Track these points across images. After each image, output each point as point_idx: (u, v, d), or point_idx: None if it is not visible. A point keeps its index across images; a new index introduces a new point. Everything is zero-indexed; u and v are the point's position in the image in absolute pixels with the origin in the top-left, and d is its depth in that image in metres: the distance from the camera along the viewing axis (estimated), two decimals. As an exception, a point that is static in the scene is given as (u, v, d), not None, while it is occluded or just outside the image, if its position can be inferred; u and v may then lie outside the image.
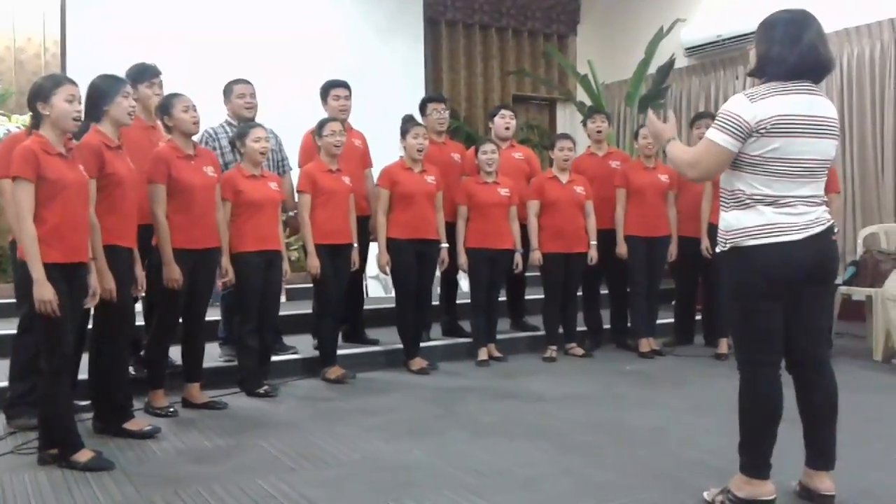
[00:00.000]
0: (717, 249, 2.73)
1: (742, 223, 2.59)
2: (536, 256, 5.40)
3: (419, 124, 5.24)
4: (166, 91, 4.31)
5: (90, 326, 3.65)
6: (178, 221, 3.93)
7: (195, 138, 4.21)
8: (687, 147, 2.77)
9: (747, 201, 2.58)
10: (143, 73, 4.25)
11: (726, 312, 2.77)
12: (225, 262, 4.24)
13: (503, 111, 5.90)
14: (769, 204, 2.56)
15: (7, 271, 5.59)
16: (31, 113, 3.27)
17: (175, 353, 4.23)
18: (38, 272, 3.03)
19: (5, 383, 3.85)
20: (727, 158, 2.60)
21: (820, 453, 2.69)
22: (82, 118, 3.29)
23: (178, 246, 3.91)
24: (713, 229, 2.72)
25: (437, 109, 5.59)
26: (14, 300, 3.84)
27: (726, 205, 2.67)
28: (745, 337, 2.68)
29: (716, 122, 2.61)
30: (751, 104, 2.54)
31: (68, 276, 3.16)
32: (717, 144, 2.58)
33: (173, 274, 3.87)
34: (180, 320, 4.09)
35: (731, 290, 2.68)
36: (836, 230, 5.47)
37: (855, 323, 6.03)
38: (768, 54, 2.61)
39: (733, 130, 2.55)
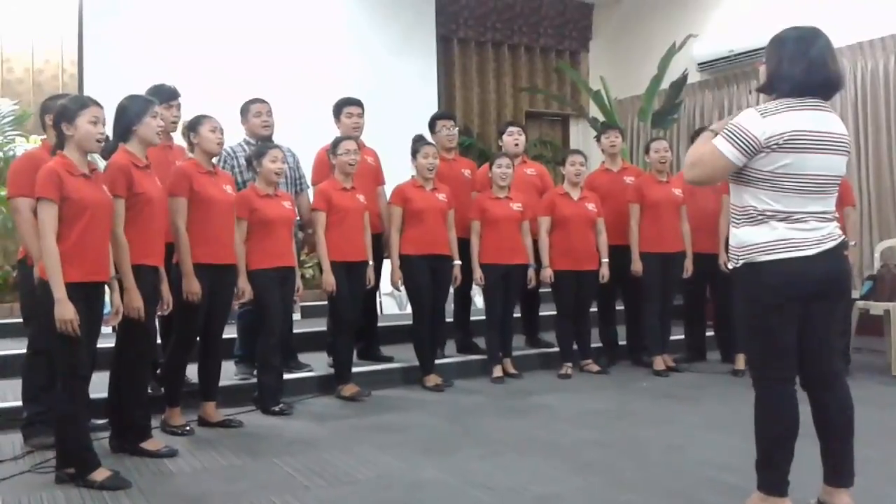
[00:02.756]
0: (730, 266, 2.72)
1: (754, 239, 2.58)
2: (548, 274, 5.39)
3: (429, 144, 5.27)
4: (183, 112, 4.37)
5: (111, 345, 3.67)
6: (198, 236, 3.94)
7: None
8: (700, 143, 2.74)
9: (759, 217, 2.58)
10: (162, 95, 4.30)
11: (739, 329, 2.76)
12: (241, 281, 4.26)
13: (510, 128, 5.92)
14: (781, 220, 2.56)
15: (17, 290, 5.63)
16: (46, 132, 3.31)
17: (191, 371, 4.24)
18: (59, 291, 3.06)
19: (18, 403, 3.88)
20: (728, 169, 2.61)
21: (838, 470, 2.67)
22: (105, 140, 3.33)
23: (197, 261, 3.92)
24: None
25: (447, 126, 5.62)
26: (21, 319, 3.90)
27: (737, 221, 2.66)
28: (759, 353, 2.67)
29: (725, 131, 2.61)
30: (762, 119, 2.54)
31: (87, 296, 3.19)
32: (721, 154, 2.59)
33: (193, 287, 3.88)
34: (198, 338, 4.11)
35: (743, 306, 2.67)
36: (853, 244, 5.46)
37: (873, 338, 5.97)
38: (778, 71, 2.62)
39: (741, 144, 2.55)
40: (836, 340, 2.77)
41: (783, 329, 2.59)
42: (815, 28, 2.64)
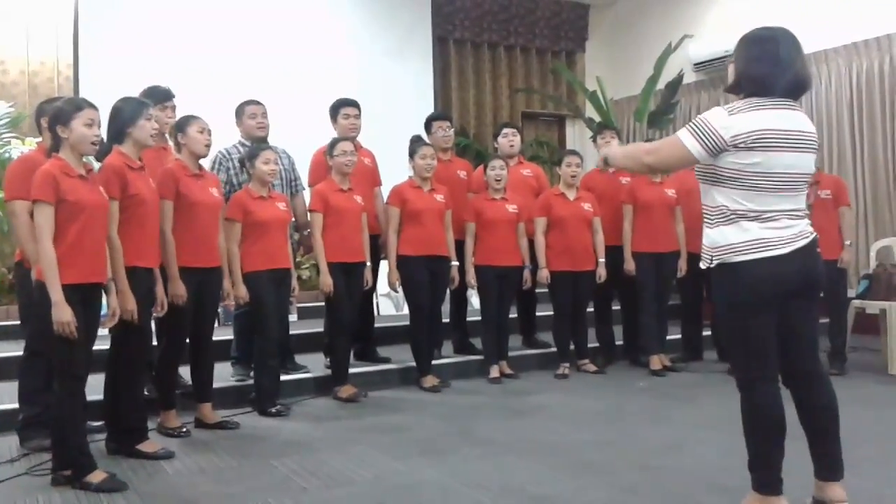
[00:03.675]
0: (702, 265, 2.72)
1: (728, 239, 2.59)
2: (544, 275, 5.40)
3: (427, 144, 5.27)
4: (179, 114, 4.36)
5: (107, 347, 3.66)
6: (184, 239, 3.92)
7: (208, 160, 4.25)
8: (640, 143, 2.80)
9: (731, 216, 2.58)
10: (156, 96, 4.29)
11: (720, 330, 2.76)
12: (227, 284, 4.25)
13: (505, 130, 5.95)
14: (752, 219, 2.55)
15: (13, 293, 5.63)
16: (44, 134, 3.32)
17: (186, 372, 4.23)
18: (56, 294, 3.05)
19: (14, 405, 3.87)
20: (687, 161, 2.63)
21: (827, 464, 2.67)
22: (100, 142, 3.33)
23: (183, 264, 3.90)
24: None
25: (442, 127, 5.63)
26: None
27: (710, 221, 2.66)
28: (741, 353, 2.67)
29: (690, 124, 2.63)
30: (728, 117, 2.55)
31: (84, 298, 3.19)
32: (683, 144, 2.60)
33: (178, 290, 3.86)
34: (188, 340, 4.10)
35: (721, 306, 2.68)
36: (848, 243, 5.46)
37: (869, 337, 5.99)
38: (745, 71, 2.63)
39: (703, 139, 2.56)
40: (815, 337, 2.77)
41: (762, 329, 2.59)
42: (783, 28, 2.64)
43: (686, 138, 2.60)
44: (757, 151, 2.52)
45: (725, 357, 5.65)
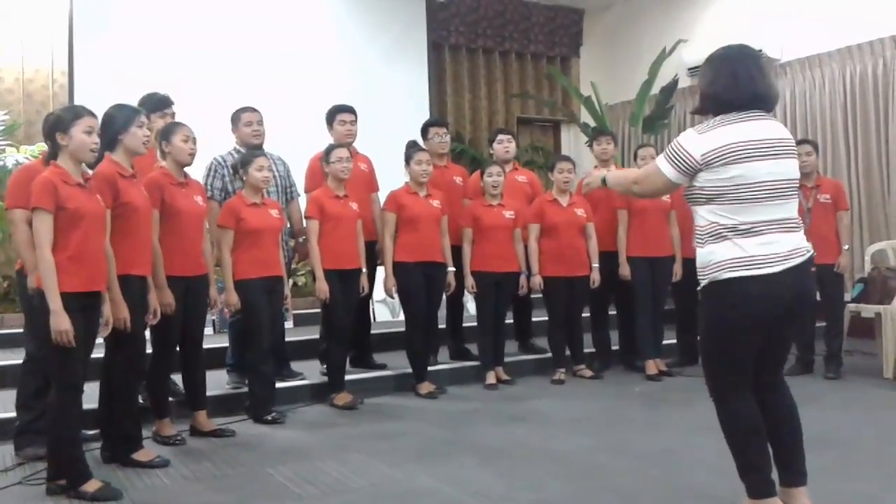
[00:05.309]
0: (698, 289, 2.71)
1: (718, 256, 2.57)
2: (537, 281, 5.39)
3: (423, 150, 5.27)
4: (177, 120, 4.35)
5: (101, 355, 3.64)
6: (169, 247, 3.89)
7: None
8: (630, 170, 2.88)
9: (722, 232, 2.57)
10: (155, 103, 4.28)
11: (701, 342, 2.75)
12: (213, 292, 4.24)
13: (500, 136, 5.95)
14: (742, 234, 2.54)
15: (15, 301, 5.62)
16: (46, 143, 3.31)
17: (180, 381, 4.22)
18: (55, 303, 3.04)
19: (11, 414, 3.86)
20: (667, 188, 2.72)
21: (792, 470, 2.68)
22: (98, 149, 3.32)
23: (168, 273, 3.86)
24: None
25: (438, 133, 5.63)
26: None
27: (701, 240, 2.65)
28: (720, 368, 2.67)
29: (666, 151, 2.68)
30: (698, 137, 2.59)
31: (84, 306, 3.18)
32: (661, 172, 2.67)
33: (167, 298, 3.83)
34: (177, 348, 4.08)
35: (707, 324, 2.67)
36: (846, 247, 5.43)
37: (864, 340, 5.99)
38: (707, 91, 2.68)
39: (678, 164, 2.61)
40: (787, 351, 2.81)
41: (747, 346, 2.60)
42: (742, 45, 2.72)
43: (663, 165, 2.66)
44: (733, 165, 2.53)
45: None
